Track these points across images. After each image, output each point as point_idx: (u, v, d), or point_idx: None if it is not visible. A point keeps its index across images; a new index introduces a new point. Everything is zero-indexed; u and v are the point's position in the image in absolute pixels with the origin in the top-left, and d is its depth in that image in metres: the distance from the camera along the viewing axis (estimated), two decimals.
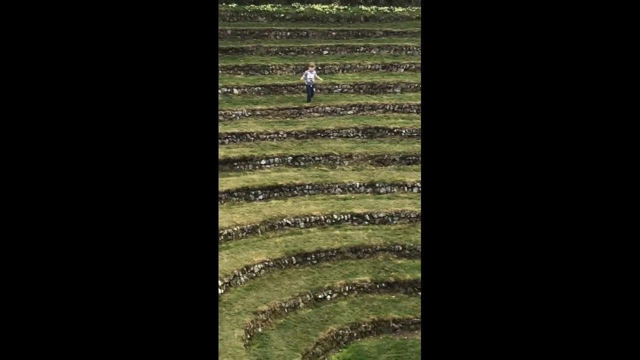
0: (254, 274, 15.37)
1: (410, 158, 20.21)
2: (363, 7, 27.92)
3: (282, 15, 26.97)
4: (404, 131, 21.27)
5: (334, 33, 26.11)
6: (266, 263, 15.70)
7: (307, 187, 18.80)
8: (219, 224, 15.99)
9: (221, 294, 14.27)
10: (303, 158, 19.95)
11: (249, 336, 13.38)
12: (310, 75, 21.90)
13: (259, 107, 21.72)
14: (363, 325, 15.04)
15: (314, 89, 22.22)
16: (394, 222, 17.84)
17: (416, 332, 14.98)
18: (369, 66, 24.36)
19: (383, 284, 16.07)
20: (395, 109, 22.34)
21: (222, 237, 16.06)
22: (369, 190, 19.05)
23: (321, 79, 22.62)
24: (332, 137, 21.04)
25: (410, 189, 19.02)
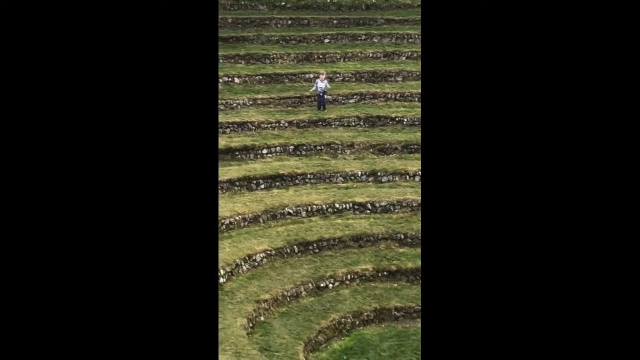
0: (256, 263, 15.40)
1: (412, 147, 20.16)
2: None
3: (283, 3, 26.89)
4: (405, 120, 21.22)
5: (335, 21, 26.00)
6: (268, 252, 15.73)
7: (308, 176, 18.79)
8: (221, 213, 16.01)
9: (223, 283, 14.30)
10: (304, 147, 19.92)
11: (251, 325, 13.43)
12: (322, 85, 21.09)
13: (260, 96, 21.68)
14: (365, 314, 15.06)
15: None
16: (396, 210, 17.84)
17: (418, 320, 14.99)
18: (371, 54, 24.28)
19: (385, 273, 16.09)
20: (397, 98, 22.28)
21: (224, 226, 16.08)
22: (370, 179, 19.04)
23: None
24: (333, 126, 20.99)
25: (412, 178, 19.00)
